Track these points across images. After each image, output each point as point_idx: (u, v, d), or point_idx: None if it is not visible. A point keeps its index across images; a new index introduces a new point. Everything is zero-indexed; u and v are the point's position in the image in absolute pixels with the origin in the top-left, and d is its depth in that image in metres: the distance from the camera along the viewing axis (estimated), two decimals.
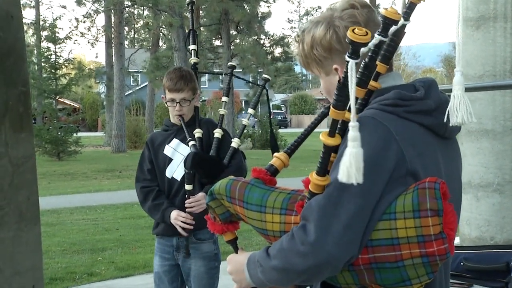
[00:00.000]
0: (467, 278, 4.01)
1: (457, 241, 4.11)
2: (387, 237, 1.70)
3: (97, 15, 36.08)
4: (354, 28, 1.57)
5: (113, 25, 33.69)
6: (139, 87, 53.42)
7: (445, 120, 1.71)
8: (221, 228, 2.09)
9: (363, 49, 1.58)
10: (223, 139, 3.97)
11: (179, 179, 4.00)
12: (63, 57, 29.86)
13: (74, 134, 26.74)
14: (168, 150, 4.06)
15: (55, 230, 10.43)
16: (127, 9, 35.46)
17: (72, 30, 36.51)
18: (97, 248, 8.91)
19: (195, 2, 4.21)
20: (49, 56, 28.36)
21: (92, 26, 37.90)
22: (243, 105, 53.17)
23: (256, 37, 31.16)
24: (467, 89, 4.63)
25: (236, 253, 2.09)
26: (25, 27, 34.41)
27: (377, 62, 1.78)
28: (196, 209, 3.86)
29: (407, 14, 1.70)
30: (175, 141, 4.07)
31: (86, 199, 14.30)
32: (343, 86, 1.61)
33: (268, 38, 33.45)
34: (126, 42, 39.59)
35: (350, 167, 1.57)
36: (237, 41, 30.83)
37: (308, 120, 49.03)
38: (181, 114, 4.01)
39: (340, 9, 1.93)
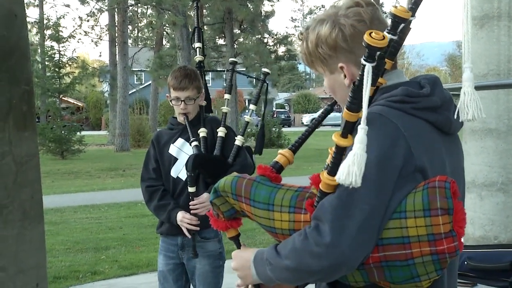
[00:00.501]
0: (471, 277, 4.01)
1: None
2: (398, 236, 1.70)
3: (100, 14, 36.13)
4: (371, 32, 1.58)
5: (116, 24, 33.70)
6: (143, 86, 53.48)
7: (455, 117, 1.72)
8: (225, 225, 2.09)
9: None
10: (227, 137, 3.96)
11: (184, 179, 3.99)
12: (66, 56, 29.91)
13: (78, 133, 26.74)
14: (173, 150, 4.06)
15: (59, 228, 10.44)
16: (130, 8, 35.47)
17: (76, 29, 36.53)
18: (101, 247, 8.91)
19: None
20: (53, 55, 28.39)
21: (95, 25, 38.00)
22: (247, 103, 53.14)
23: (259, 36, 31.15)
24: None
25: (239, 249, 2.09)
26: (29, 26, 34.49)
27: None
28: (200, 210, 3.85)
29: (412, 10, 1.70)
30: (180, 141, 4.06)
31: (89, 198, 14.30)
32: (357, 88, 1.62)
33: (272, 37, 33.45)
34: (129, 41, 39.59)
35: (351, 166, 1.59)
36: (241, 40, 30.81)
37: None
38: (186, 113, 4.01)
39: (345, 7, 1.92)
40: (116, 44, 33.49)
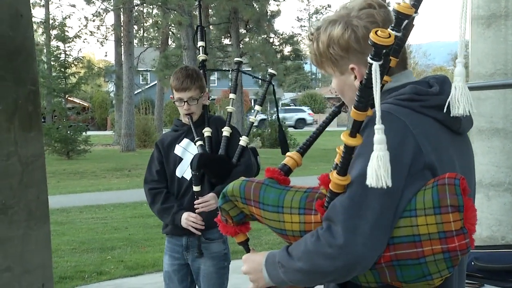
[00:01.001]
0: (478, 278, 3.99)
1: None
2: (409, 234, 1.70)
3: (106, 14, 36.18)
4: (377, 30, 1.57)
5: (122, 24, 33.75)
6: (148, 86, 53.47)
7: (444, 110, 1.71)
8: (234, 230, 2.09)
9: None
10: (231, 137, 3.96)
11: (188, 179, 3.99)
12: (72, 56, 29.89)
13: (84, 133, 26.77)
14: (178, 150, 4.06)
15: (65, 229, 10.46)
16: (136, 7, 35.49)
17: (82, 29, 36.60)
18: (106, 247, 8.92)
19: None
20: (59, 55, 28.43)
21: (101, 25, 38.10)
22: (253, 103, 53.16)
23: (265, 36, 31.13)
24: (478, 88, 4.62)
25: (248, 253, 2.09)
26: (35, 26, 34.56)
27: None
28: (206, 209, 3.85)
29: (415, 7, 1.69)
30: (185, 141, 4.06)
31: (95, 198, 14.32)
32: (364, 87, 1.62)
33: (278, 37, 33.41)
34: (135, 41, 39.63)
35: (378, 169, 1.59)
36: (246, 39, 30.79)
37: (318, 119, 48.97)
38: (190, 113, 4.00)
39: (358, 8, 1.91)
40: (122, 44, 33.53)
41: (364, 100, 1.63)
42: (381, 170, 1.59)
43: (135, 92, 35.24)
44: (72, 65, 29.47)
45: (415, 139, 1.75)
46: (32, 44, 2.96)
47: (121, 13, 33.70)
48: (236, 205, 2.01)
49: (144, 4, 33.84)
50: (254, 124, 4.27)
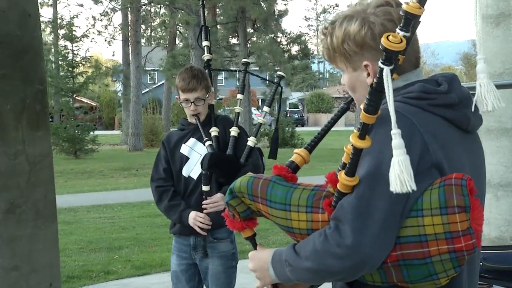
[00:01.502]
0: (487, 278, 3.97)
1: None
2: (415, 234, 1.70)
3: (114, 13, 36.27)
4: (389, 35, 1.58)
5: (129, 23, 33.80)
6: (156, 85, 53.56)
7: (472, 109, 1.72)
8: (241, 226, 2.09)
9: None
10: (239, 137, 3.95)
11: (195, 178, 3.98)
12: (80, 55, 30.01)
13: (91, 133, 26.83)
14: (184, 149, 4.05)
15: (72, 228, 10.47)
16: (143, 7, 35.56)
17: (89, 28, 36.72)
18: (114, 247, 8.93)
19: None
20: (67, 55, 28.51)
21: (109, 25, 38.34)
22: (260, 103, 53.16)
23: (273, 35, 31.11)
24: None
25: (255, 249, 2.09)
26: (43, 26, 34.65)
27: None
28: (213, 210, 3.84)
29: (421, 3, 1.68)
30: (191, 140, 4.06)
31: (103, 198, 14.34)
32: (375, 91, 1.62)
33: (285, 36, 33.39)
34: (142, 40, 39.70)
35: (401, 174, 1.59)
36: (254, 39, 30.79)
37: (325, 119, 48.92)
38: (197, 114, 4.00)
39: (374, 5, 1.90)
40: (129, 43, 33.59)
41: (374, 103, 1.64)
42: (404, 175, 1.59)
43: (143, 92, 35.28)
44: (80, 64, 29.54)
45: (423, 137, 1.74)
46: (40, 44, 2.96)
47: (128, 13, 33.76)
48: (243, 201, 2.01)
49: (152, 4, 33.91)
50: (263, 125, 4.26)
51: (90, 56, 33.11)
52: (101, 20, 36.55)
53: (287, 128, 32.36)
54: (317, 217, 1.84)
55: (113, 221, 11.21)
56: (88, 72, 31.44)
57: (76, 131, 26.10)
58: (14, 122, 2.74)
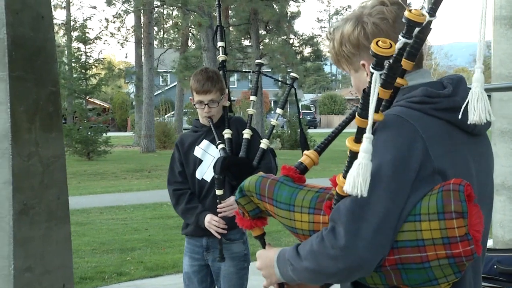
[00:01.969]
0: (500, 281, 3.94)
1: (490, 243, 4.03)
2: (412, 239, 1.70)
3: (126, 15, 36.36)
4: (378, 41, 1.58)
5: (142, 25, 33.90)
6: (168, 87, 53.66)
7: (459, 116, 1.69)
8: (250, 224, 2.11)
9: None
10: (252, 139, 3.93)
11: (209, 181, 3.98)
12: (93, 57, 30.16)
13: (104, 134, 26.90)
14: (198, 152, 4.04)
15: (85, 229, 10.50)
16: (156, 9, 35.60)
17: (102, 30, 36.84)
18: (126, 248, 8.94)
19: None
20: (80, 56, 28.60)
21: (121, 27, 38.35)
22: (272, 105, 53.13)
23: (285, 37, 31.13)
24: (500, 89, 4.57)
25: (264, 248, 2.10)
26: (56, 28, 34.85)
27: (403, 59, 1.75)
28: (228, 213, 3.83)
29: (432, 10, 1.68)
30: (204, 142, 4.05)
31: (115, 199, 14.37)
32: (367, 95, 1.63)
33: (298, 38, 33.40)
34: (155, 42, 39.77)
35: (356, 177, 1.60)
36: (266, 40, 30.80)
37: (338, 120, 48.85)
38: (210, 116, 3.99)
39: (370, 6, 1.94)
40: (142, 45, 33.67)
41: (367, 107, 1.63)
42: (359, 178, 1.59)
43: (155, 93, 35.34)
44: (93, 66, 29.63)
45: (425, 143, 1.73)
46: (53, 46, 2.98)
47: (141, 15, 33.84)
48: (252, 200, 2.03)
49: (164, 6, 33.94)
50: (276, 126, 4.25)
51: (103, 58, 33.28)
52: (114, 22, 36.66)
53: (299, 130, 32.32)
54: (318, 218, 1.85)
55: (126, 223, 11.23)
56: (101, 74, 31.55)
57: (89, 133, 26.18)
58: (27, 124, 2.75)
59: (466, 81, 1.92)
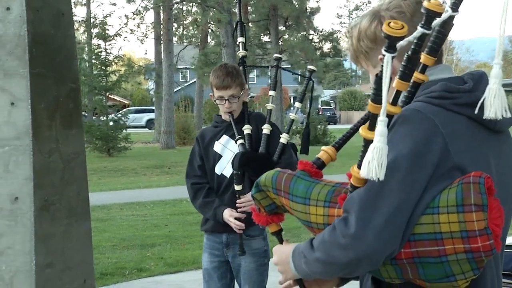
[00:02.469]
0: None
1: (510, 240, 3.99)
2: (430, 232, 1.68)
3: (146, 12, 36.43)
4: (390, 22, 1.57)
5: (162, 22, 33.99)
6: (188, 83, 53.81)
7: (476, 111, 1.68)
8: (266, 220, 2.10)
9: (402, 42, 1.57)
10: (272, 134, 3.93)
11: (228, 176, 3.98)
12: (113, 54, 30.21)
13: (124, 131, 27.02)
14: (217, 147, 4.05)
15: (106, 225, 10.56)
16: (175, 5, 35.68)
17: (122, 27, 37.03)
18: (147, 244, 8.99)
19: None
20: (100, 53, 28.74)
21: (141, 23, 38.40)
22: (292, 101, 53.05)
23: (305, 33, 31.04)
24: None
25: (281, 244, 2.10)
26: (76, 25, 35.00)
27: (424, 54, 1.74)
28: (247, 209, 3.82)
29: (455, 5, 1.66)
30: (224, 138, 4.05)
31: (135, 195, 14.43)
32: (380, 79, 1.61)
33: (317, 34, 33.30)
34: (174, 39, 39.85)
35: (371, 161, 1.59)
36: (286, 36, 30.75)
37: (358, 116, 48.64)
38: (231, 111, 3.99)
39: (388, 1, 1.94)
40: (162, 42, 33.76)
41: (380, 92, 1.61)
42: (374, 162, 1.58)
43: (175, 90, 35.43)
44: (113, 63, 29.75)
45: (444, 139, 1.72)
46: (73, 42, 2.99)
47: (160, 11, 33.94)
48: (268, 195, 2.02)
49: (184, 2, 34.01)
50: (295, 122, 4.24)
51: (122, 55, 33.36)
52: (134, 19, 36.79)
53: (319, 126, 32.24)
54: (333, 212, 1.84)
55: (146, 219, 11.28)
56: (121, 70, 31.69)
57: (109, 129, 26.29)
58: (48, 121, 2.76)
59: (488, 77, 1.90)
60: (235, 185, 3.85)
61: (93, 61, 29.46)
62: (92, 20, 36.25)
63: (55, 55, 2.84)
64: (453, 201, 1.66)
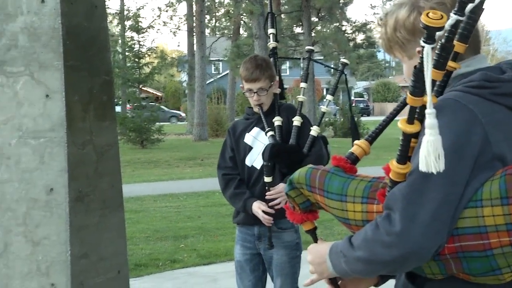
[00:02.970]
0: None
1: None
2: (474, 225, 1.65)
3: (179, 4, 36.61)
4: (429, 12, 1.54)
5: (194, 14, 34.05)
6: (220, 75, 53.87)
7: None
8: (301, 218, 2.08)
9: (441, 33, 1.55)
10: (302, 126, 3.91)
11: (258, 168, 3.97)
12: (146, 46, 30.38)
13: (157, 123, 27.16)
14: (248, 138, 4.05)
15: (139, 217, 10.63)
16: None
17: (155, 19, 37.24)
18: (180, 236, 9.02)
19: None
20: (133, 46, 28.91)
21: (174, 15, 38.61)
22: (325, 92, 52.84)
23: (337, 24, 30.86)
24: None
25: (316, 242, 2.07)
26: (110, 17, 35.28)
27: (455, 42, 1.71)
28: (277, 201, 3.81)
29: None
30: (255, 130, 4.04)
31: (168, 187, 14.51)
32: (419, 71, 1.59)
33: (350, 25, 33.07)
34: (207, 31, 39.96)
35: (428, 155, 1.55)
36: (318, 28, 30.61)
37: (392, 108, 48.20)
38: (260, 104, 3.98)
39: None
40: (194, 34, 33.82)
41: (419, 85, 1.60)
42: (431, 156, 1.55)
43: (207, 82, 35.50)
44: (146, 55, 29.92)
45: (484, 129, 1.69)
46: (106, 35, 3.00)
47: (193, 3, 34.01)
48: (302, 192, 2.00)
49: None
50: (327, 113, 4.22)
51: (155, 47, 33.58)
52: (167, 11, 37.02)
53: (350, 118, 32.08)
54: (372, 208, 1.82)
55: (179, 210, 11.33)
56: (153, 62, 31.85)
57: (144, 122, 26.44)
58: (82, 113, 2.79)
59: None
60: (265, 177, 3.85)
61: (127, 53, 29.66)
62: (125, 12, 36.48)
63: (88, 48, 2.86)
64: (497, 194, 1.63)
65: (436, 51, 1.63)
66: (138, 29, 29.22)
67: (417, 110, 1.67)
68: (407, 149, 1.69)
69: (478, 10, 1.69)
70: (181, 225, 9.87)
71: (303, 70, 4.13)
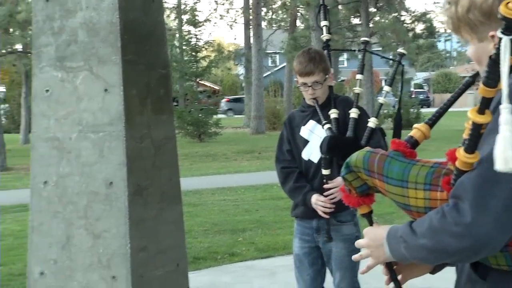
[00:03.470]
0: None
1: None
2: None
3: None
4: (508, 2, 1.47)
5: (251, 7, 34.08)
6: (277, 68, 53.82)
7: None
8: (357, 201, 2.05)
9: None
10: (359, 118, 3.85)
11: (315, 162, 3.94)
12: (203, 39, 30.56)
13: (214, 116, 27.32)
14: (304, 132, 4.01)
15: (198, 210, 10.71)
16: None
17: (212, 12, 37.48)
18: (238, 229, 9.05)
19: None
20: (190, 39, 29.10)
21: (230, 8, 38.68)
22: (383, 84, 52.31)
23: (396, 14, 30.44)
24: None
25: (371, 226, 2.05)
26: (168, 12, 35.56)
27: None
28: (336, 194, 3.77)
29: None
30: (311, 123, 4.00)
31: (226, 180, 14.57)
32: (494, 63, 1.52)
33: (409, 15, 32.58)
34: (264, 23, 39.94)
35: (504, 152, 1.50)
36: (377, 18, 30.25)
37: None
38: (315, 97, 3.94)
39: None
40: (251, 26, 33.88)
41: (494, 76, 1.54)
42: (509, 152, 1.49)
43: (264, 75, 35.52)
44: (203, 49, 30.10)
45: None
46: (163, 29, 3.02)
47: None
48: (359, 176, 1.97)
49: None
50: (385, 105, 4.15)
51: (212, 40, 33.74)
52: (223, 4, 37.17)
53: (411, 109, 31.63)
54: (435, 195, 1.78)
55: (237, 204, 11.36)
56: (210, 56, 32.02)
57: (200, 115, 26.64)
58: (140, 107, 2.80)
59: None
60: (322, 170, 3.81)
61: (184, 47, 29.86)
62: (182, 6, 36.75)
63: (145, 42, 2.87)
64: None
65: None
66: (195, 23, 29.44)
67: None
68: (477, 139, 1.64)
69: None
70: (239, 219, 9.90)
71: (359, 62, 4.08)
